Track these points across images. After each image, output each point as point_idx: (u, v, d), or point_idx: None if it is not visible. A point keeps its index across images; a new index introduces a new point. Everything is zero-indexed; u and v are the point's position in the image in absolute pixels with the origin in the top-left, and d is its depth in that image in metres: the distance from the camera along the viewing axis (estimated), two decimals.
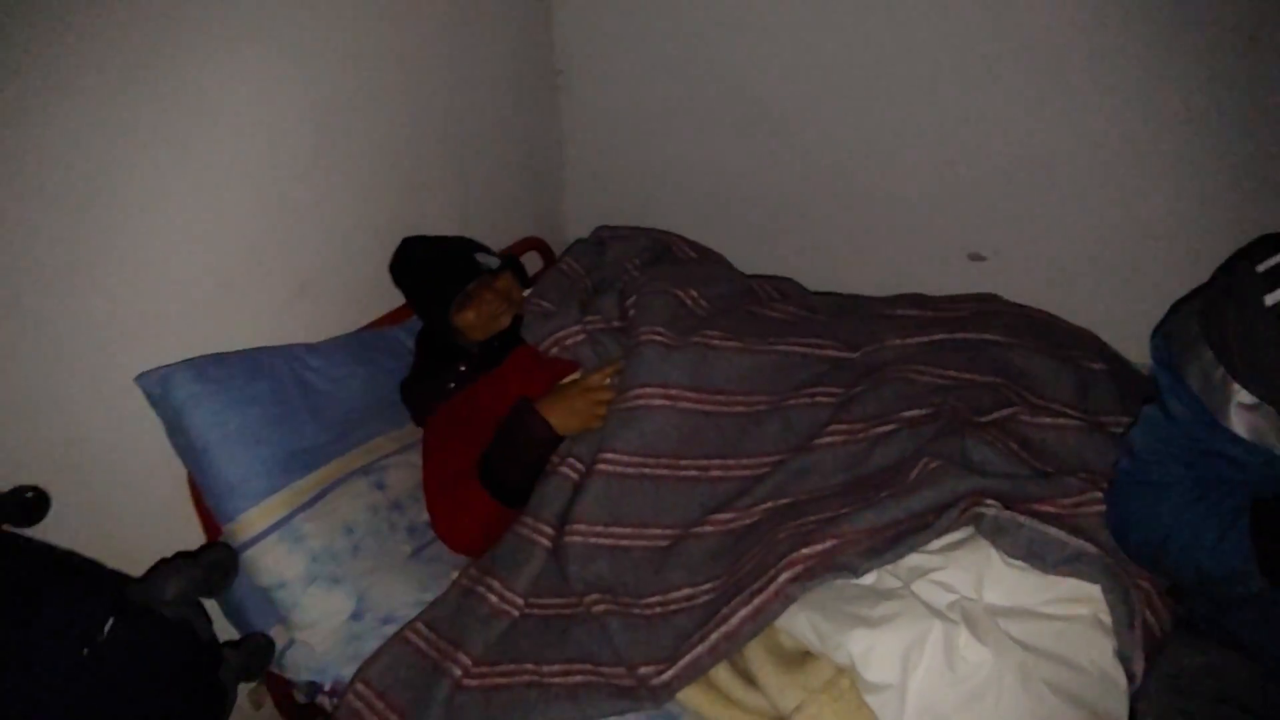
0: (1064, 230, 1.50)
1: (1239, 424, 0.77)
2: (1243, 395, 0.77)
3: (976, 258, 1.60)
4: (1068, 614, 0.95)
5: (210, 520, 1.21)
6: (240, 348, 1.21)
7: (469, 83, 1.61)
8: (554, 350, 1.32)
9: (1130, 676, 0.90)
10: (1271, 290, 0.74)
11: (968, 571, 0.96)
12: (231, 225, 1.20)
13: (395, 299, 1.47)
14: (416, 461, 1.35)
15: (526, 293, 1.43)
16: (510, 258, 1.54)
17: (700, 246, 1.57)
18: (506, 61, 1.70)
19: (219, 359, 1.16)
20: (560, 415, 1.21)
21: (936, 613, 0.91)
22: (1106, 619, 0.93)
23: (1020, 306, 1.41)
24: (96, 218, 1.01)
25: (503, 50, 1.68)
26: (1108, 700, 0.88)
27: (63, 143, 0.96)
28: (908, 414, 1.15)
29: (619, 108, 1.82)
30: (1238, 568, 0.73)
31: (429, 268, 1.37)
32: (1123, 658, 0.91)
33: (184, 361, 1.12)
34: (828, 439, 1.16)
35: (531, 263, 1.80)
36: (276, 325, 1.29)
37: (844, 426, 1.17)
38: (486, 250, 1.44)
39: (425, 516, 1.31)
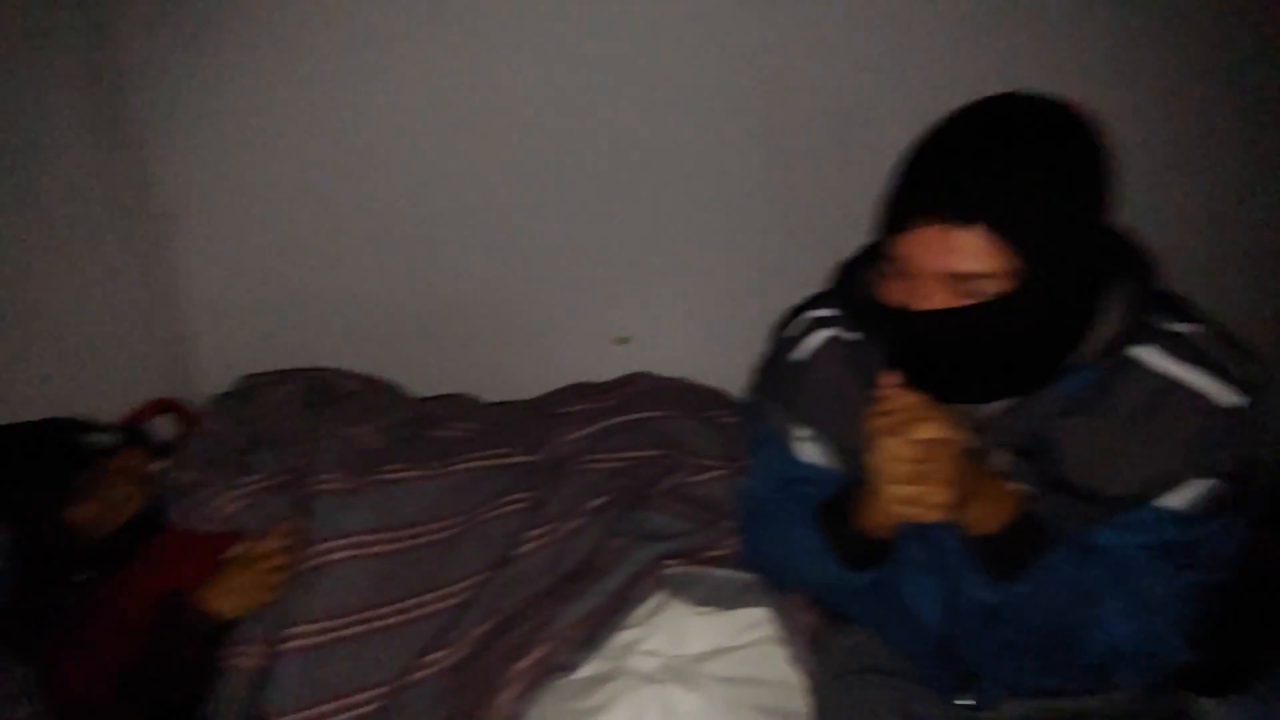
0: (692, 306, 1.74)
1: (806, 454, 0.97)
2: (800, 431, 0.97)
3: (622, 340, 1.79)
4: (752, 639, 1.08)
5: None
6: None
7: (42, 240, 1.39)
8: (211, 526, 1.17)
9: (810, 675, 1.05)
10: (791, 351, 0.96)
11: (668, 631, 1.05)
12: None
13: None
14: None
15: (158, 465, 1.25)
16: (131, 429, 1.34)
17: (362, 376, 1.52)
18: (97, 208, 1.51)
19: None
20: (224, 598, 1.07)
21: (649, 678, 0.98)
22: (778, 633, 1.08)
23: (663, 379, 1.60)
24: None
25: (84, 200, 1.49)
26: (794, 702, 1.02)
27: None
28: (593, 504, 1.23)
29: (238, 248, 1.69)
30: (833, 570, 0.89)
31: (20, 463, 1.14)
32: (796, 659, 1.06)
33: None
34: (526, 546, 1.19)
35: (168, 427, 1.58)
36: None
37: (539, 530, 1.20)
38: (96, 427, 1.23)
39: None
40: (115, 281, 1.57)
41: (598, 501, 1.24)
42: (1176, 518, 0.80)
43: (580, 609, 1.04)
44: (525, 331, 1.79)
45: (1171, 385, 0.78)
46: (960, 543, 0.82)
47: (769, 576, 1.07)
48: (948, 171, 0.74)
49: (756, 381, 1.04)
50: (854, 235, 1.68)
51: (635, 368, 1.73)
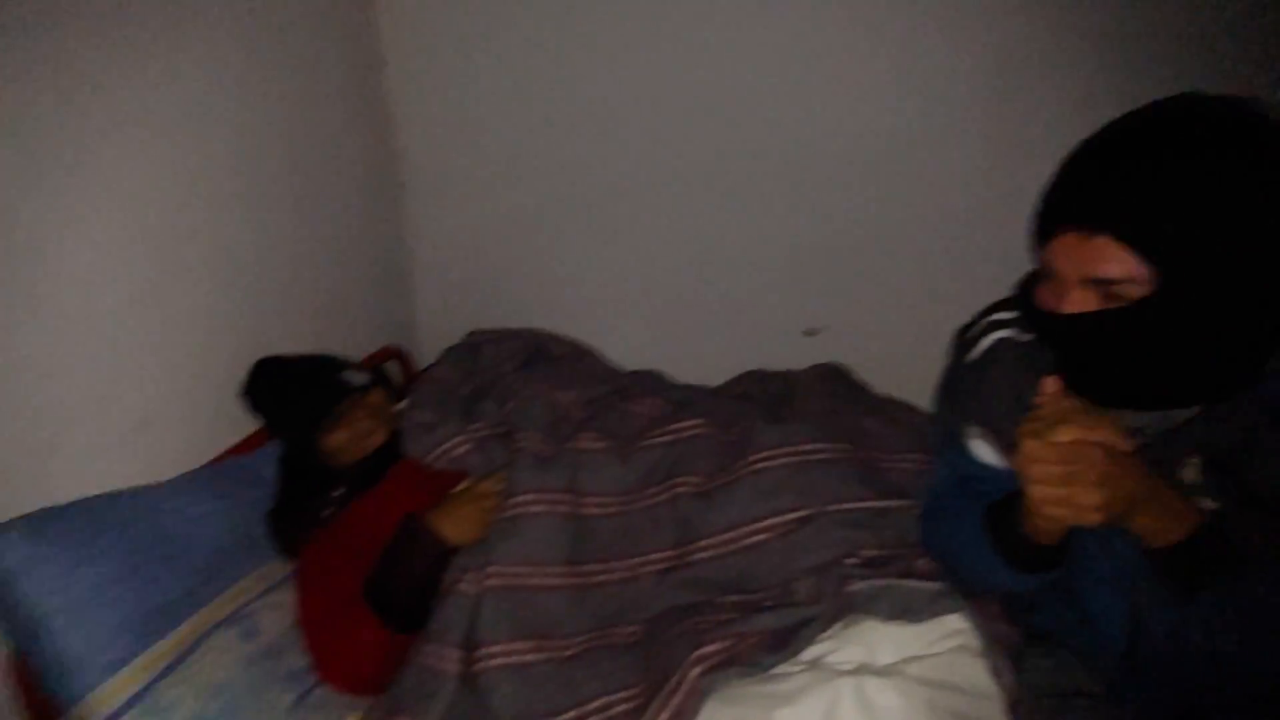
0: (892, 302, 1.70)
1: (980, 453, 0.96)
2: (974, 430, 0.96)
3: (811, 332, 1.78)
4: (949, 647, 1.05)
5: (40, 706, 1.03)
6: (72, 498, 1.07)
7: (314, 200, 1.58)
8: (441, 463, 1.29)
9: (1006, 688, 1.01)
10: (968, 352, 0.97)
11: (857, 644, 1.02)
12: (54, 361, 1.07)
13: (245, 426, 1.37)
14: (286, 600, 1.24)
15: (400, 405, 1.39)
16: (377, 371, 1.50)
17: (571, 342, 1.61)
18: (350, 177, 1.69)
19: (55, 513, 1.01)
20: (452, 526, 1.17)
21: (842, 675, 0.98)
22: (974, 643, 1.04)
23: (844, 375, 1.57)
24: None
25: (346, 166, 1.67)
26: (993, 715, 0.98)
27: None
28: (775, 509, 1.19)
29: (466, 214, 1.86)
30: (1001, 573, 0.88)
31: (291, 391, 1.30)
32: (995, 672, 1.01)
33: (12, 521, 0.97)
34: (704, 543, 1.19)
35: (391, 372, 1.75)
36: (115, 467, 1.16)
37: (719, 531, 1.20)
38: (351, 366, 1.39)
39: (304, 660, 1.20)
40: (361, 242, 1.76)
41: (781, 509, 1.20)
42: None
43: (771, 621, 1.04)
44: (716, 314, 1.82)
45: None
46: (1139, 555, 0.79)
47: (948, 573, 1.05)
48: (1083, 179, 0.77)
49: (940, 382, 1.06)
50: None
51: (821, 359, 1.72)
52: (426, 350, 1.95)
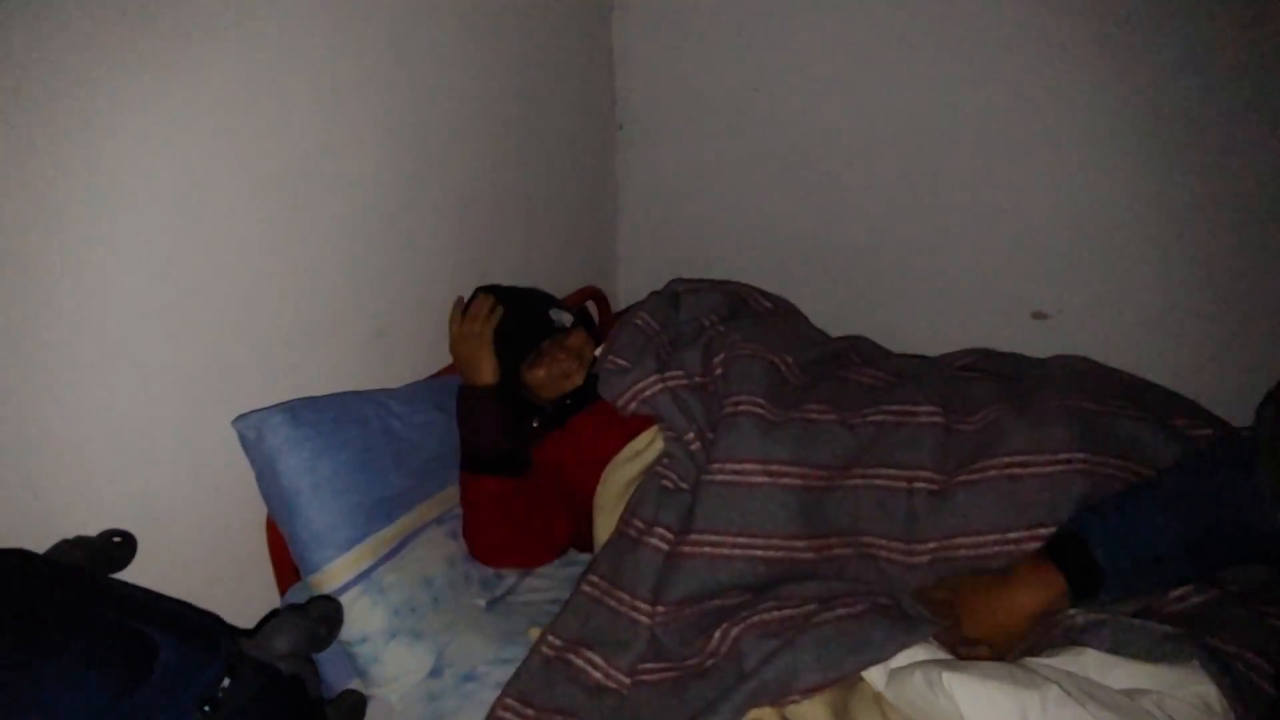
0: (1130, 288, 1.52)
1: None
2: None
3: (1040, 316, 1.62)
4: (1179, 695, 0.92)
5: (285, 569, 1.17)
6: (321, 392, 1.20)
7: (538, 137, 1.64)
8: (632, 406, 1.30)
9: None
10: None
11: (1081, 665, 0.91)
12: (319, 270, 1.19)
13: None
14: None
15: (598, 350, 1.42)
16: (582, 311, 1.54)
17: (774, 297, 1.57)
18: (572, 117, 1.73)
19: (312, 403, 1.14)
20: (466, 374, 1.31)
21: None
22: (1214, 695, 0.90)
23: (1100, 365, 1.38)
24: (181, 263, 1.00)
25: (569, 106, 1.71)
26: None
27: (154, 188, 0.96)
28: (1013, 535, 1.05)
29: (674, 161, 1.86)
30: None
31: (503, 322, 1.36)
32: None
33: (279, 405, 1.10)
34: (929, 544, 1.08)
35: (590, 312, 1.81)
36: (355, 369, 1.28)
37: (945, 536, 1.08)
38: (559, 305, 1.43)
39: None
40: (576, 180, 1.80)
41: (1018, 535, 1.04)
42: None
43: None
44: (929, 285, 1.70)
45: None
46: None
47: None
48: None
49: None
50: None
51: (1050, 347, 1.56)
52: (623, 293, 2.00)
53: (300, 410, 1.10)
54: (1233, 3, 1.29)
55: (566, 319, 1.40)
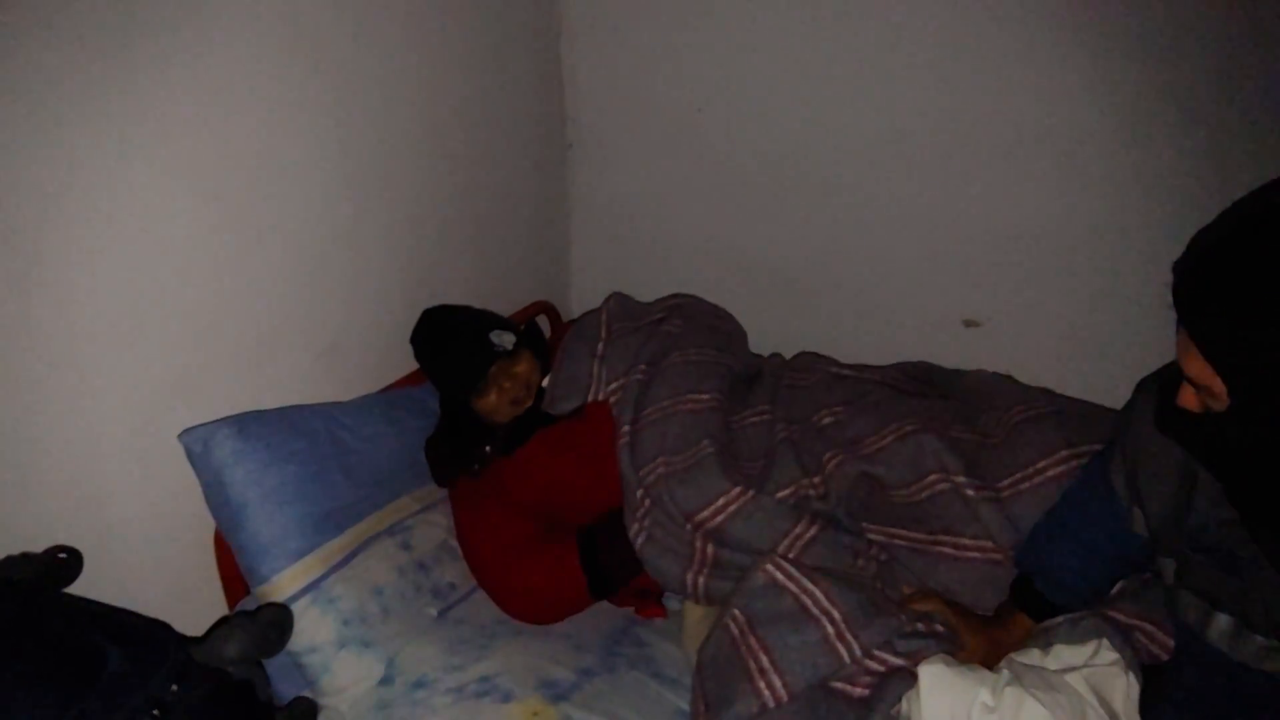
0: (1055, 297, 1.60)
1: (1114, 479, 0.95)
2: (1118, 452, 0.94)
3: (971, 324, 1.70)
4: (1100, 665, 0.99)
5: (234, 582, 1.18)
6: (271, 406, 1.22)
7: (489, 155, 1.68)
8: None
9: None
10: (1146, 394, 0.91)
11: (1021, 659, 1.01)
12: (269, 285, 1.21)
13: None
14: (438, 520, 1.36)
15: (546, 380, 1.46)
16: (530, 328, 1.57)
17: (715, 314, 1.63)
18: (522, 136, 1.77)
19: (259, 416, 1.15)
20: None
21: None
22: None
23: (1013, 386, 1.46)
24: (134, 279, 1.02)
25: (519, 125, 1.76)
26: None
27: (105, 207, 0.97)
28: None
29: (624, 178, 1.91)
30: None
31: (446, 353, 1.38)
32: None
33: (226, 418, 1.12)
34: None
35: (542, 326, 1.84)
36: (306, 384, 1.30)
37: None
38: (503, 324, 1.45)
39: (448, 577, 1.31)
40: (528, 197, 1.84)
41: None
42: None
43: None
44: (869, 300, 1.77)
45: None
46: None
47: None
48: (1183, 278, 0.71)
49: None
50: None
51: (982, 354, 1.64)
52: (575, 307, 2.04)
53: (247, 423, 1.12)
54: (1149, 27, 1.38)
55: (508, 341, 1.40)
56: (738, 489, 1.21)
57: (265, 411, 1.18)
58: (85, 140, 0.93)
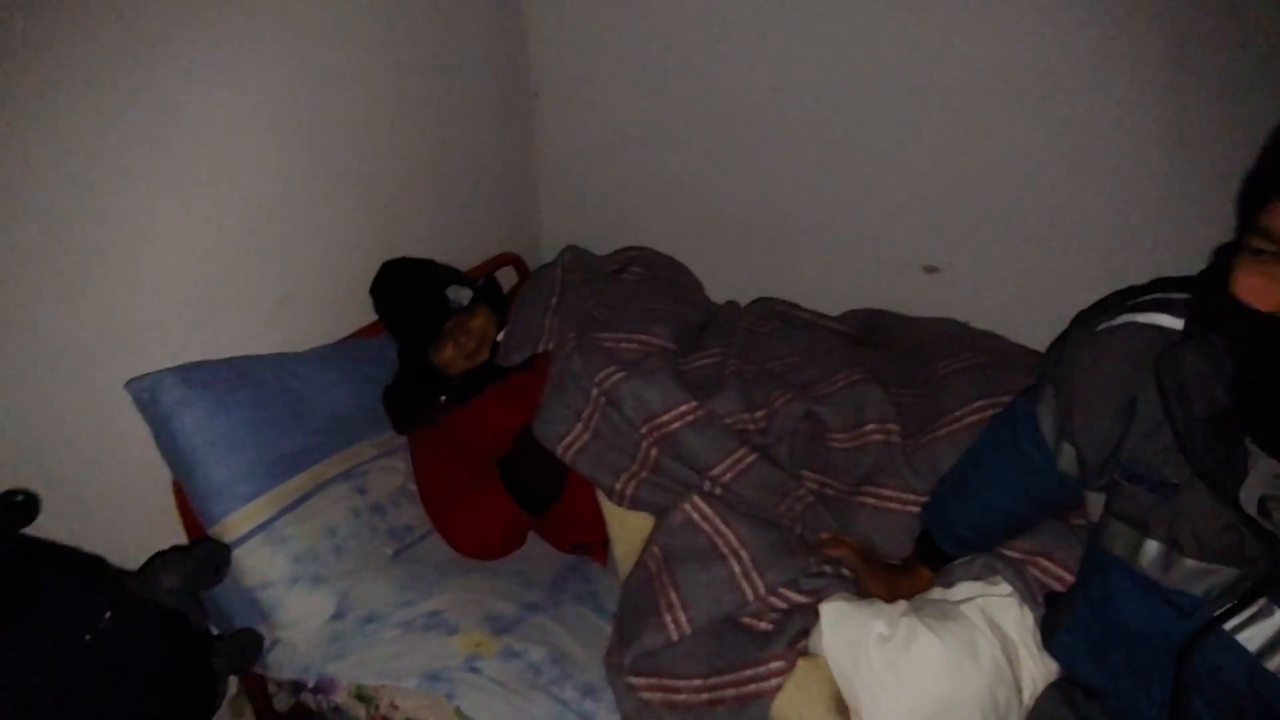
0: (1011, 243, 1.60)
1: (1042, 418, 0.94)
2: (1048, 393, 0.93)
3: (931, 269, 1.69)
4: (995, 596, 1.01)
5: (194, 523, 1.24)
6: (226, 356, 1.26)
7: (448, 105, 1.68)
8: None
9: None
10: (1095, 321, 0.86)
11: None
12: (218, 236, 1.24)
13: (373, 312, 1.52)
14: (396, 466, 1.41)
15: (503, 332, 1.49)
16: (488, 283, 1.59)
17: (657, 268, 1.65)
18: (484, 83, 1.77)
19: (205, 365, 1.20)
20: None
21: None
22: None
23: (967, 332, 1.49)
24: (85, 230, 1.06)
25: (480, 74, 1.75)
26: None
27: (51, 154, 1.00)
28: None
29: (592, 127, 1.90)
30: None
31: (403, 307, 1.41)
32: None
33: (171, 368, 1.16)
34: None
35: (507, 278, 1.86)
36: (260, 336, 1.33)
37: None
38: (460, 279, 1.47)
39: (405, 520, 1.37)
40: (493, 148, 1.85)
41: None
42: None
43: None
44: (833, 246, 1.77)
45: None
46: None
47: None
48: None
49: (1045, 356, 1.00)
50: (1204, 193, 1.35)
51: (942, 299, 1.65)
52: (545, 259, 2.05)
53: (193, 371, 1.16)
54: None
55: (465, 296, 1.43)
56: (695, 402, 1.25)
57: (211, 361, 1.22)
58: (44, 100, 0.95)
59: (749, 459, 1.20)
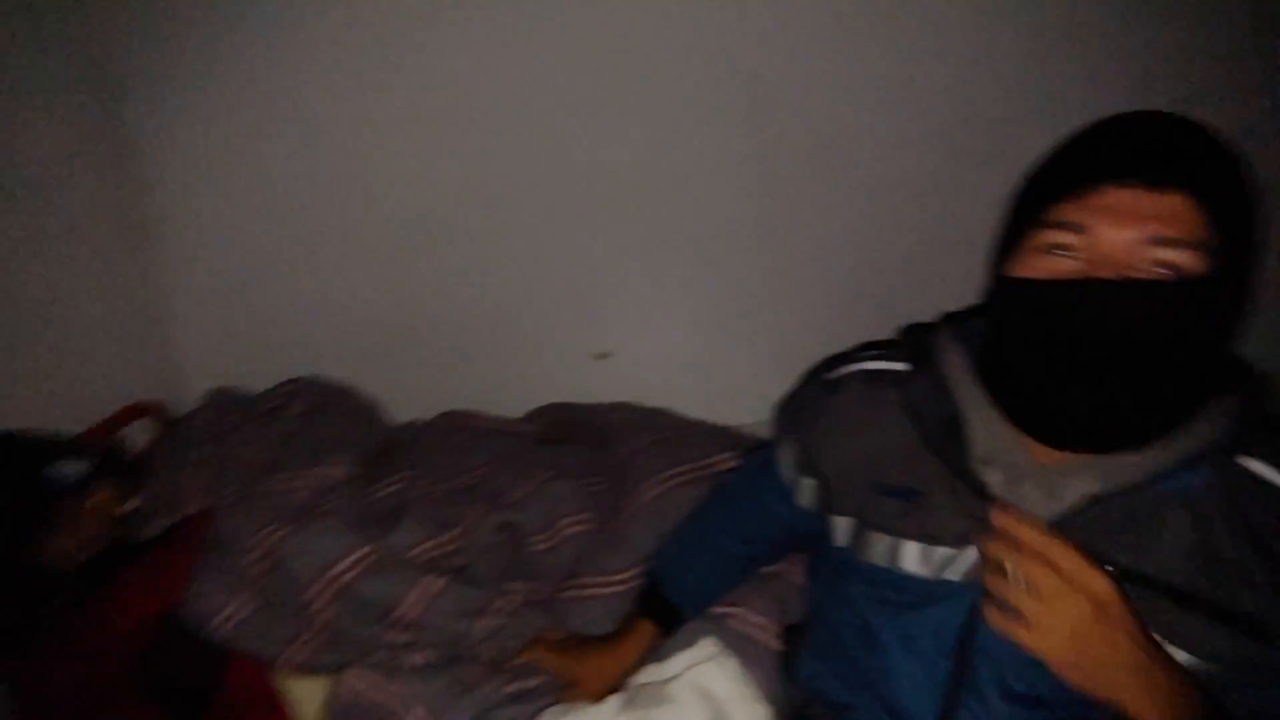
0: (677, 326, 1.76)
1: (783, 463, 1.02)
2: (788, 440, 1.00)
3: (603, 356, 1.80)
4: (704, 659, 1.04)
5: None
6: None
7: (39, 242, 1.40)
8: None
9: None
10: (825, 372, 0.97)
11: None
12: None
13: None
14: None
15: (129, 505, 1.26)
16: (104, 452, 1.33)
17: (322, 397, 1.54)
18: (76, 216, 1.52)
19: None
20: None
21: None
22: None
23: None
24: None
25: (71, 204, 1.50)
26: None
27: None
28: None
29: (228, 258, 1.71)
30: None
31: None
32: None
33: None
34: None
35: (145, 431, 1.59)
36: None
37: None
38: (68, 450, 1.22)
39: None
40: (102, 284, 1.58)
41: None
42: None
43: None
44: (508, 346, 1.79)
45: None
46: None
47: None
48: (1148, 137, 0.69)
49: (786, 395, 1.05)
50: (842, 254, 1.67)
51: (618, 383, 1.74)
52: (195, 400, 1.79)
53: None
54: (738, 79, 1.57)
55: (77, 470, 1.18)
56: (369, 546, 1.16)
57: None
58: None
59: (437, 586, 1.14)
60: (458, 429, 1.49)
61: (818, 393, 0.96)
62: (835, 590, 0.90)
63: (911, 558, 0.83)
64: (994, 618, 0.65)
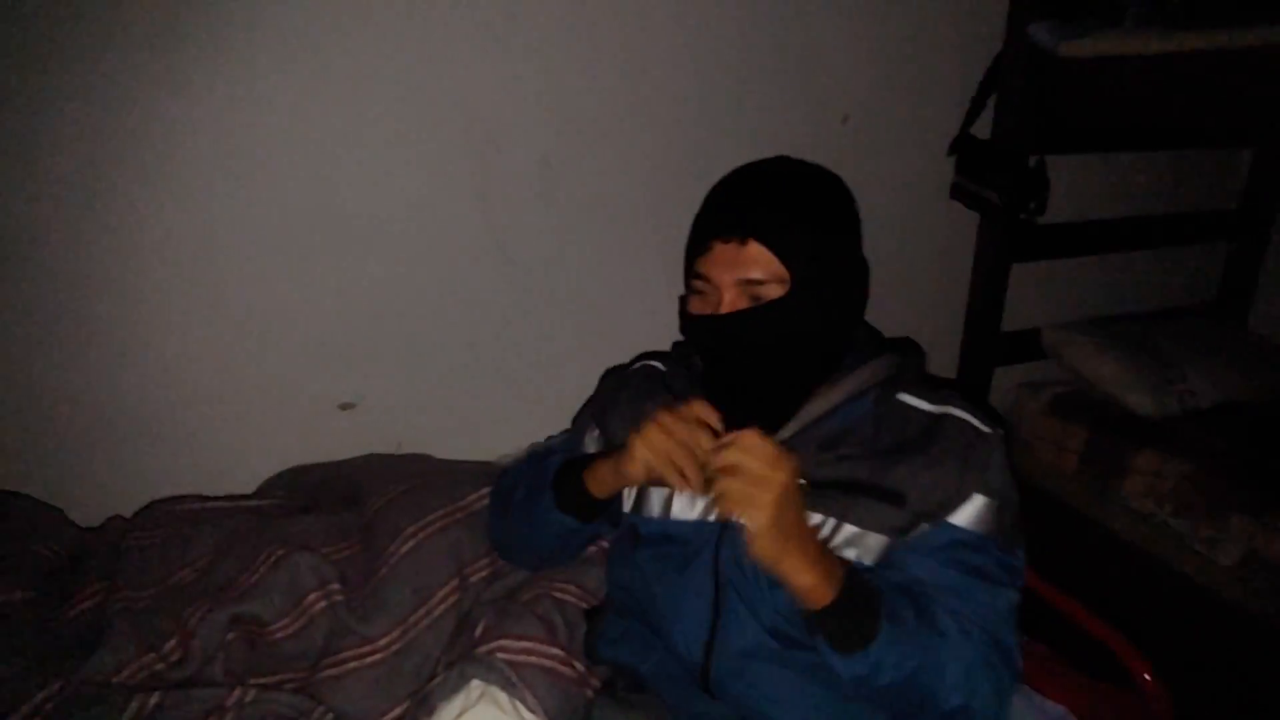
0: (423, 372, 1.69)
1: (587, 443, 1.18)
2: (592, 426, 1.19)
3: (347, 406, 1.70)
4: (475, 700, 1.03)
5: None
6: None
7: None
8: None
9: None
10: (619, 371, 1.28)
11: None
12: None
13: None
14: None
15: None
16: None
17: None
18: None
19: None
20: None
21: None
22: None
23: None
24: None
25: None
26: None
27: None
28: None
29: None
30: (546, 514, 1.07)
31: None
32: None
33: None
34: None
35: None
36: None
37: None
38: None
39: None
40: None
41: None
42: (973, 539, 0.89)
43: None
44: (240, 406, 1.59)
45: (940, 415, 0.96)
46: (794, 618, 0.88)
47: (504, 548, 1.23)
48: (733, 202, 0.97)
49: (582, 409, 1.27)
50: (570, 285, 1.73)
51: (361, 434, 1.66)
52: None
53: None
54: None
55: None
56: (44, 691, 0.96)
57: None
58: None
59: (151, 704, 0.99)
60: (170, 518, 1.31)
61: (618, 377, 1.21)
62: (626, 560, 1.05)
63: (681, 504, 1.02)
64: (724, 506, 0.80)
